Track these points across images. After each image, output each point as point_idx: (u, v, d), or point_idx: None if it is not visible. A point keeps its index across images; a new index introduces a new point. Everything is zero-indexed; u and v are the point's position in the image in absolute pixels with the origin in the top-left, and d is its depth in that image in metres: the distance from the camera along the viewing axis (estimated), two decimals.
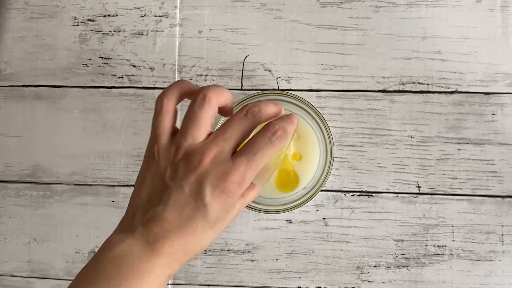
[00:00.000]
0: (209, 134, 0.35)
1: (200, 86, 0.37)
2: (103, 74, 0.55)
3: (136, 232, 0.34)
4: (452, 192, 0.52)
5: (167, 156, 0.35)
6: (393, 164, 0.52)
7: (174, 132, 0.36)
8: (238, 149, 0.35)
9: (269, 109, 0.35)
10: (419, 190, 0.52)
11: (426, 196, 0.52)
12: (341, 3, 0.53)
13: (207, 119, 0.35)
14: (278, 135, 0.34)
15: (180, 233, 0.33)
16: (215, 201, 0.33)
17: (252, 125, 0.35)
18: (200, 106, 0.35)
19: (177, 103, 0.36)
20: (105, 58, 0.55)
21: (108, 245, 0.34)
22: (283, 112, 0.37)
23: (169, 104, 0.36)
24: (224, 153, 0.34)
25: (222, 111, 0.38)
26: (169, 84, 0.54)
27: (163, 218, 0.33)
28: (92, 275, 0.33)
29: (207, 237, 0.35)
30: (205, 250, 0.53)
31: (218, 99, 0.35)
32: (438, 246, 0.52)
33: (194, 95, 0.35)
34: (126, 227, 0.35)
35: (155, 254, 0.33)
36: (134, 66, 0.55)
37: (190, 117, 0.35)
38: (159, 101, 0.36)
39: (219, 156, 0.33)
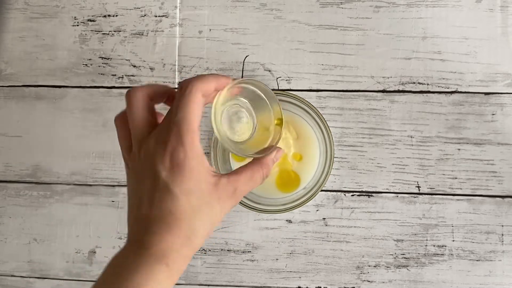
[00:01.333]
0: (157, 124, 0.35)
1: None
2: (103, 74, 0.55)
3: (131, 240, 0.33)
4: (452, 192, 0.52)
5: (131, 164, 0.36)
6: (393, 164, 0.52)
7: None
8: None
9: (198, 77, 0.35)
10: (419, 190, 0.52)
11: (426, 196, 0.52)
12: (341, 3, 0.53)
13: (139, 112, 0.35)
14: (184, 87, 0.34)
15: (160, 219, 0.32)
16: (172, 173, 0.32)
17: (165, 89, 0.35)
18: (128, 105, 0.35)
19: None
20: (105, 58, 0.55)
21: (111, 260, 0.34)
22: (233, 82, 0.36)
23: (117, 120, 0.37)
24: (163, 130, 0.34)
25: (169, 102, 0.38)
26: (169, 84, 0.54)
27: (142, 215, 0.33)
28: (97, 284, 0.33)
29: (189, 213, 0.33)
30: (205, 250, 0.53)
31: (143, 90, 0.35)
32: (438, 246, 0.52)
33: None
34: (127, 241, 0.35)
35: (142, 248, 0.32)
36: (134, 66, 0.55)
37: (128, 122, 0.35)
38: (114, 122, 0.37)
39: (160, 134, 0.34)
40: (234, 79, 0.36)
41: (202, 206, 0.33)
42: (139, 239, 0.33)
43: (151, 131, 0.35)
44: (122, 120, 0.37)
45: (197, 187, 0.33)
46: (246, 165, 0.37)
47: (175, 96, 0.35)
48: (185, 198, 0.33)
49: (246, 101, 0.40)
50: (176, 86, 0.54)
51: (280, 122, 0.42)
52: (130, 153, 0.36)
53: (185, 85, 0.34)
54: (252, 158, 0.38)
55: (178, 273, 0.33)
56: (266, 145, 0.42)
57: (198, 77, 0.35)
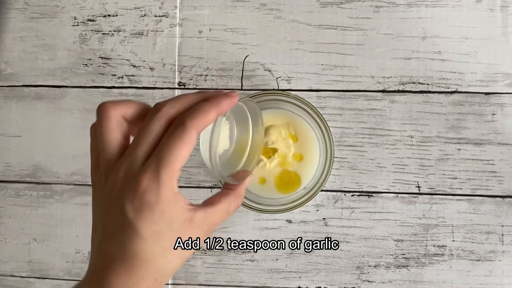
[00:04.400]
0: (127, 147, 0.33)
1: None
2: (103, 74, 0.55)
3: (88, 272, 0.32)
4: (452, 192, 0.52)
5: (96, 185, 0.34)
6: (393, 164, 0.52)
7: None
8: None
9: (180, 100, 0.33)
10: (419, 190, 0.52)
11: (426, 196, 0.52)
12: (341, 3, 0.53)
13: (109, 132, 0.32)
14: (178, 123, 0.31)
15: (122, 260, 0.30)
16: (141, 214, 0.30)
17: (159, 121, 0.32)
18: (97, 123, 0.33)
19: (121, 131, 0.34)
20: (105, 58, 0.55)
21: None
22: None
23: (92, 131, 0.35)
24: (135, 162, 0.31)
25: (140, 118, 0.35)
26: (169, 84, 0.54)
27: (103, 251, 0.31)
28: None
29: (156, 256, 0.31)
30: (205, 250, 0.53)
31: (116, 109, 0.33)
32: (438, 246, 0.52)
33: None
34: (87, 269, 0.33)
35: None
36: (134, 66, 0.55)
37: (97, 138, 0.33)
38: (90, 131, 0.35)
39: (131, 166, 0.31)
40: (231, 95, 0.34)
41: (170, 244, 0.31)
42: (99, 278, 0.30)
43: (122, 155, 0.32)
44: (94, 131, 0.34)
45: (168, 228, 0.31)
46: (221, 197, 0.35)
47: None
48: (154, 240, 0.30)
49: (231, 115, 0.38)
50: (176, 86, 0.54)
51: (257, 148, 0.41)
52: (97, 172, 0.34)
53: (180, 121, 0.31)
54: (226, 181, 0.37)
55: None
56: (239, 167, 0.41)
57: (196, 113, 0.31)
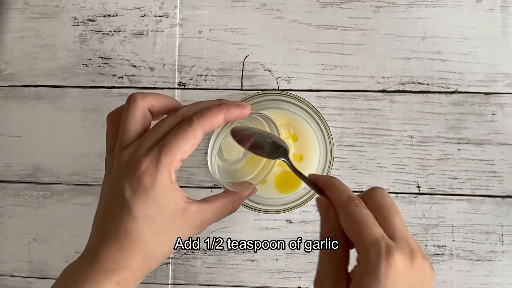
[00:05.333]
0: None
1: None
2: (103, 74, 0.55)
3: (84, 250, 0.34)
4: (452, 192, 0.52)
5: (107, 167, 0.35)
6: (393, 164, 0.52)
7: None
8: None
9: (199, 104, 0.35)
10: (419, 190, 0.52)
11: (426, 196, 0.52)
12: (341, 3, 0.53)
13: (133, 120, 0.34)
14: (186, 119, 0.33)
15: (114, 236, 0.32)
16: (136, 195, 0.32)
17: (174, 119, 0.34)
18: (126, 109, 0.35)
19: (120, 116, 0.36)
20: (105, 58, 0.55)
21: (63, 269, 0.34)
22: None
23: (110, 118, 0.37)
24: (140, 148, 0.33)
25: (165, 113, 0.37)
26: (169, 84, 0.54)
27: (98, 227, 0.33)
28: None
29: (147, 237, 0.33)
30: (204, 250, 0.53)
31: (146, 100, 0.35)
32: (438, 246, 0.52)
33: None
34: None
35: (95, 262, 0.32)
36: (134, 66, 0.55)
37: (121, 123, 0.35)
38: (106, 119, 0.37)
39: (136, 151, 0.33)
40: (241, 105, 0.35)
41: (163, 230, 0.33)
42: (92, 252, 0.33)
43: None
44: (115, 120, 0.36)
45: (160, 213, 0.33)
46: (218, 197, 0.36)
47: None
48: (146, 222, 0.32)
49: (256, 129, 0.40)
50: (176, 86, 0.54)
51: (269, 167, 0.42)
52: (110, 155, 0.36)
53: (189, 118, 0.33)
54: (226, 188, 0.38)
55: None
56: (247, 178, 0.42)
57: (205, 113, 0.33)
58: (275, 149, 0.39)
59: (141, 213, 0.32)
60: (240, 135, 0.38)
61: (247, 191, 0.39)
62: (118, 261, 0.32)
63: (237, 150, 0.43)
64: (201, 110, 0.34)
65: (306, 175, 0.37)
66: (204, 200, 0.35)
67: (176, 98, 0.50)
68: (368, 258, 0.29)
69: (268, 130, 0.41)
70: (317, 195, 0.35)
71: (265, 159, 0.43)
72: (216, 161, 0.36)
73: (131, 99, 0.35)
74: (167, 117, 0.35)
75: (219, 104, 0.35)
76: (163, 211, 0.33)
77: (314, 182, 0.35)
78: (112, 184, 0.33)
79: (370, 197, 0.33)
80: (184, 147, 0.33)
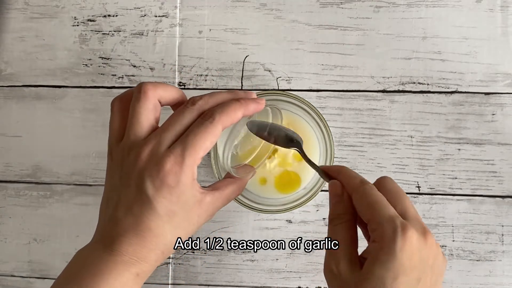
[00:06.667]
0: (156, 129, 0.35)
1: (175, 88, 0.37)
2: (103, 74, 0.55)
3: (97, 239, 0.34)
4: (452, 192, 0.52)
5: (116, 158, 0.35)
6: (393, 164, 0.52)
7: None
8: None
9: (214, 97, 0.35)
10: (419, 190, 0.52)
11: (426, 196, 0.52)
12: (341, 3, 0.53)
13: (145, 112, 0.34)
14: (207, 116, 0.33)
15: (135, 230, 0.33)
16: (159, 193, 0.32)
17: (192, 113, 0.34)
18: (136, 100, 0.35)
19: (127, 104, 0.36)
20: (105, 58, 0.55)
21: (74, 255, 0.34)
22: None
23: (116, 105, 0.36)
24: (161, 144, 0.33)
25: (175, 107, 0.38)
26: (169, 84, 0.54)
27: (117, 219, 0.33)
28: (55, 282, 0.33)
29: (167, 232, 0.34)
30: (204, 250, 0.53)
31: (156, 91, 0.35)
32: None
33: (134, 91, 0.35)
34: (93, 238, 0.35)
35: (114, 253, 0.33)
36: (134, 66, 0.55)
37: (130, 113, 0.35)
38: (110, 105, 0.37)
39: (156, 148, 0.33)
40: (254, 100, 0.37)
41: (181, 223, 0.34)
42: (110, 242, 0.33)
43: (148, 135, 0.34)
44: (122, 107, 0.36)
45: (181, 208, 0.33)
46: (226, 184, 0.37)
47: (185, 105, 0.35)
48: (168, 218, 0.33)
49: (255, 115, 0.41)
50: (177, 86, 0.54)
51: (267, 150, 0.45)
52: (119, 143, 0.35)
53: (210, 114, 0.34)
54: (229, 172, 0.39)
55: (143, 281, 0.34)
56: (247, 161, 0.45)
57: (226, 110, 0.34)
58: (289, 140, 0.42)
59: (164, 210, 0.33)
60: (257, 128, 0.40)
61: (249, 175, 0.40)
62: (139, 255, 0.33)
63: (250, 141, 0.45)
64: (221, 105, 0.34)
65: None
66: (215, 188, 0.36)
67: None
68: (384, 234, 0.30)
69: (271, 121, 0.44)
70: (331, 181, 0.36)
71: (262, 142, 0.44)
72: (228, 152, 0.38)
73: (141, 90, 0.34)
74: (184, 110, 0.34)
75: (237, 99, 0.35)
76: (184, 206, 0.34)
77: (326, 172, 0.37)
78: (130, 179, 0.33)
79: (380, 183, 0.35)
80: (206, 145, 0.33)
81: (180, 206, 0.33)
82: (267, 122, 0.42)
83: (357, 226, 0.35)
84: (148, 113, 0.34)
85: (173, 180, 0.32)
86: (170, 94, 0.36)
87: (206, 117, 0.33)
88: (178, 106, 0.37)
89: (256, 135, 0.41)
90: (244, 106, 0.35)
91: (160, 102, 0.36)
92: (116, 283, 0.32)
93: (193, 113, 0.34)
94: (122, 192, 0.34)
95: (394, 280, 0.29)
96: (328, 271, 0.33)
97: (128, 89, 0.37)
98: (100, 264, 0.32)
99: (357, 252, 0.33)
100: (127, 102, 0.36)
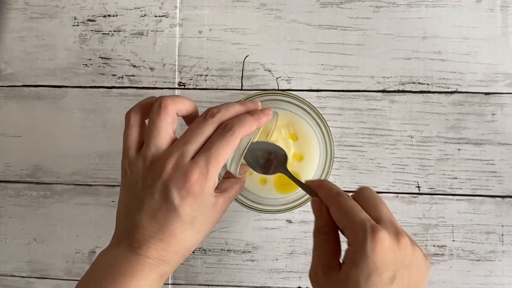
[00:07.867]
0: (174, 140, 0.37)
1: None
2: (103, 74, 0.55)
3: (121, 243, 0.36)
4: (452, 192, 0.52)
5: (136, 169, 0.37)
6: (393, 164, 0.52)
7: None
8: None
9: (230, 109, 0.38)
10: (419, 190, 0.52)
11: (426, 196, 0.52)
12: (341, 3, 0.53)
13: (166, 126, 0.37)
14: (228, 128, 0.36)
15: (160, 236, 0.35)
16: (185, 202, 0.35)
17: (212, 125, 0.37)
18: (157, 114, 0.37)
19: (144, 116, 0.39)
20: (105, 58, 0.55)
21: (97, 258, 0.36)
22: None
23: (134, 117, 0.38)
24: (185, 156, 0.36)
25: (188, 120, 0.40)
26: (169, 84, 0.54)
27: (142, 226, 0.35)
28: (82, 282, 0.36)
29: (190, 237, 0.36)
30: (204, 250, 0.54)
31: (175, 106, 0.37)
32: (438, 246, 0.52)
33: (153, 105, 0.38)
34: (112, 241, 0.37)
35: (141, 256, 0.35)
36: (134, 66, 0.55)
37: (150, 126, 0.37)
38: (126, 116, 0.39)
39: (181, 159, 0.35)
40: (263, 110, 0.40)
41: (201, 228, 0.37)
42: (137, 247, 0.35)
43: (169, 146, 0.37)
44: (139, 118, 0.39)
45: (201, 213, 0.36)
46: (231, 185, 0.40)
47: (197, 119, 0.38)
48: (190, 224, 0.36)
49: None
50: (176, 86, 0.54)
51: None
52: (137, 155, 0.37)
53: (230, 127, 0.37)
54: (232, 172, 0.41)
55: (164, 281, 0.37)
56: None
57: (244, 123, 0.37)
58: (269, 166, 0.44)
59: (188, 217, 0.36)
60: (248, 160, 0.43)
61: (246, 174, 0.43)
62: (163, 258, 0.36)
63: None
64: (238, 118, 0.38)
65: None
66: (223, 190, 0.39)
67: None
68: (357, 238, 0.32)
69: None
70: (312, 198, 0.38)
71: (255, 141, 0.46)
72: (239, 156, 0.40)
73: (162, 105, 0.37)
74: (204, 122, 0.37)
75: (248, 110, 0.39)
76: (204, 211, 0.36)
77: (309, 186, 0.39)
78: (154, 188, 0.35)
79: (358, 193, 0.37)
80: (227, 156, 0.36)
81: (200, 211, 0.36)
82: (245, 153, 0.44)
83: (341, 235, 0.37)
84: (168, 126, 0.37)
85: (198, 190, 0.35)
86: (186, 107, 0.38)
87: (226, 129, 0.37)
88: (191, 117, 0.40)
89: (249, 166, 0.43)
90: (258, 119, 0.38)
91: (177, 114, 0.38)
92: (143, 283, 0.35)
93: (213, 125, 0.37)
94: (145, 201, 0.36)
95: (367, 279, 0.31)
96: (310, 278, 0.35)
97: (141, 100, 0.39)
98: (129, 266, 0.35)
99: (337, 260, 0.35)
100: (144, 115, 0.39)
